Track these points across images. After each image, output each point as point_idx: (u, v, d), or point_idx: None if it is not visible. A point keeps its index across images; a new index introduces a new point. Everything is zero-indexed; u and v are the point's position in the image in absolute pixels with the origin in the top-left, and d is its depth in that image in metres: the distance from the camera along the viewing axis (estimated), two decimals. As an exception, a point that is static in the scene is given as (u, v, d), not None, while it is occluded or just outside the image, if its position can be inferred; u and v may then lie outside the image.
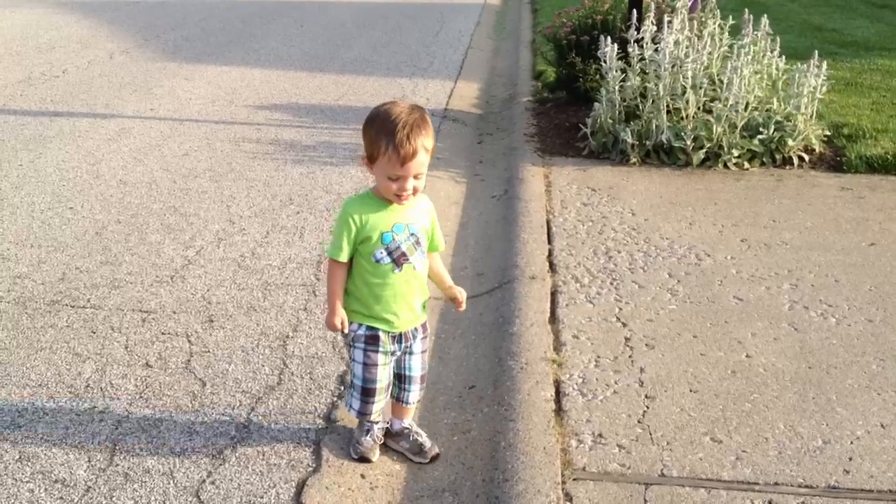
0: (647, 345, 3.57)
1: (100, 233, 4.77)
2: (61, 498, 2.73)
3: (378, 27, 11.96)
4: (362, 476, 2.88)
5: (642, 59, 6.03)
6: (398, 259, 2.74)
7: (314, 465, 2.90)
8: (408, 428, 3.01)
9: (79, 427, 3.08)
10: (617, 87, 5.98)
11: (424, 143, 2.62)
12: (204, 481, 2.81)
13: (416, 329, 2.88)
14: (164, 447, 2.98)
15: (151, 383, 3.35)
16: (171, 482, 2.80)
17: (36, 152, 6.17)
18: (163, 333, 3.73)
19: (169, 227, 4.87)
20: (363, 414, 2.90)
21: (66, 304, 3.97)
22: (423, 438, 2.99)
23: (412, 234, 2.76)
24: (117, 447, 2.97)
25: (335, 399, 3.28)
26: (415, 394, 2.96)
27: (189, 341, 3.67)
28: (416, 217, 2.78)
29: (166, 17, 12.41)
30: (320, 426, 3.11)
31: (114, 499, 2.73)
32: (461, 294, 2.95)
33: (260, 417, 3.15)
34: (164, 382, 3.36)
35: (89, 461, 2.90)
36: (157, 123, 6.97)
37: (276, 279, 4.26)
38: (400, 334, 2.83)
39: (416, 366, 2.93)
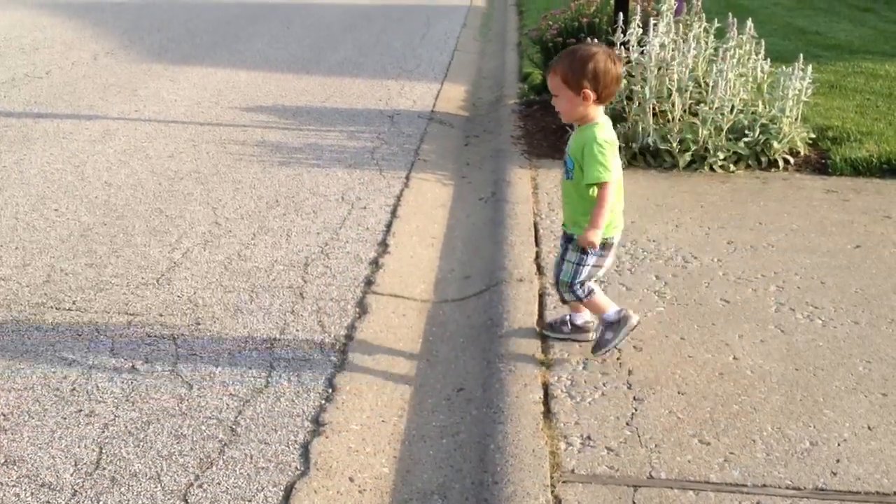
0: (634, 347, 3.57)
1: (85, 235, 4.75)
2: (48, 502, 2.71)
3: (364, 29, 11.95)
4: (351, 479, 2.87)
5: (628, 61, 6.05)
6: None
7: (302, 469, 2.89)
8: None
9: (65, 430, 3.06)
10: (603, 90, 5.98)
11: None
12: (191, 485, 2.80)
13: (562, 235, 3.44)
14: (151, 451, 2.96)
15: (138, 386, 3.33)
16: (159, 486, 2.79)
17: (20, 154, 6.13)
18: (149, 336, 3.71)
19: (154, 229, 4.85)
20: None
21: (51, 307, 3.95)
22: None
23: (568, 156, 3.31)
24: (104, 451, 2.95)
25: (323, 402, 3.27)
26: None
27: (175, 344, 3.65)
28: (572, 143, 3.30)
29: (151, 19, 12.36)
30: (308, 429, 3.10)
31: (101, 503, 2.71)
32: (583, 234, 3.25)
33: (248, 420, 3.14)
34: (150, 385, 3.34)
35: (76, 465, 2.88)
36: (143, 125, 6.94)
37: (262, 281, 4.25)
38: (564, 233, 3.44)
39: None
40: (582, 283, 3.38)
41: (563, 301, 3.61)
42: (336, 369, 3.49)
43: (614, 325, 3.43)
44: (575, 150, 3.27)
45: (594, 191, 3.23)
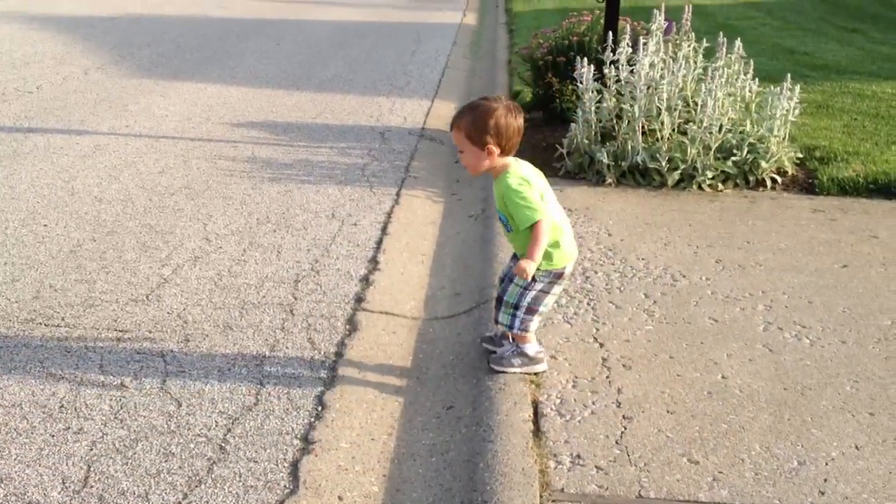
0: (624, 365, 3.59)
1: (74, 250, 4.74)
2: (34, 520, 2.70)
3: (355, 46, 11.99)
4: (340, 498, 2.87)
5: (618, 80, 6.09)
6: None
7: (291, 487, 2.88)
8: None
9: (53, 448, 3.04)
10: (593, 108, 6.03)
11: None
12: (180, 503, 2.79)
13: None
14: (140, 468, 2.95)
15: (126, 403, 3.32)
16: (147, 504, 2.78)
17: (10, 168, 6.12)
18: (138, 353, 3.70)
19: (145, 245, 4.84)
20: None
21: (40, 323, 3.93)
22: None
23: (498, 212, 3.41)
24: (92, 468, 2.94)
25: (313, 419, 3.26)
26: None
27: (165, 361, 3.64)
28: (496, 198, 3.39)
29: (142, 34, 12.37)
30: (298, 447, 3.10)
31: (88, 521, 2.70)
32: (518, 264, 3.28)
33: (237, 438, 3.13)
34: (139, 403, 3.33)
35: (63, 483, 2.87)
36: (133, 140, 6.94)
37: (252, 298, 4.25)
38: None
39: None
40: (528, 310, 3.40)
41: (496, 321, 3.57)
42: (326, 387, 3.49)
43: (525, 358, 3.49)
44: (500, 205, 3.34)
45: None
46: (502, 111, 3.20)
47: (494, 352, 3.60)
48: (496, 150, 3.21)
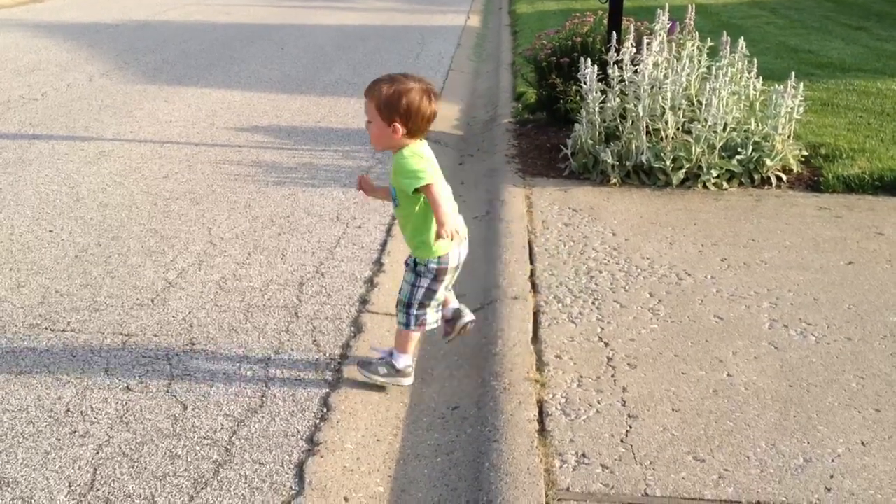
0: (629, 364, 3.58)
1: (80, 255, 4.75)
2: (41, 524, 2.70)
3: (358, 49, 12.01)
4: (346, 499, 2.87)
5: (622, 80, 6.09)
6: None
7: (297, 489, 2.89)
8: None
9: (59, 452, 3.05)
10: (597, 109, 6.03)
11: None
12: (186, 505, 2.79)
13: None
14: (146, 471, 2.95)
15: (132, 407, 3.33)
16: (153, 507, 2.78)
17: (15, 175, 6.14)
18: (143, 356, 3.71)
19: (149, 249, 4.85)
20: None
21: (46, 328, 3.95)
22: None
23: (391, 186, 3.37)
24: (98, 472, 2.95)
25: (318, 421, 3.26)
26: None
27: (170, 364, 3.65)
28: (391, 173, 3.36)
29: (146, 40, 12.41)
30: (303, 448, 3.10)
31: (94, 524, 2.70)
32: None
33: (242, 440, 3.13)
34: (145, 406, 3.34)
35: (70, 486, 2.87)
36: (138, 146, 6.96)
37: (257, 301, 4.25)
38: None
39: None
40: (420, 306, 3.38)
41: (399, 322, 3.51)
42: (331, 388, 3.49)
43: (392, 370, 3.49)
44: (393, 178, 3.31)
45: (420, 206, 3.24)
46: (417, 94, 3.14)
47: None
48: (402, 130, 3.15)
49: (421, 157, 3.20)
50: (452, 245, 3.32)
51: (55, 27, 13.44)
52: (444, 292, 3.47)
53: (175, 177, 6.16)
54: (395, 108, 3.13)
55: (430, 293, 3.38)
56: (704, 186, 5.77)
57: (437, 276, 3.35)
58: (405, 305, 3.41)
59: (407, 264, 3.44)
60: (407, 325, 3.43)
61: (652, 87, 5.92)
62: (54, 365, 3.63)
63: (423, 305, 3.40)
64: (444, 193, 3.19)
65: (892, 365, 3.58)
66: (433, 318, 3.45)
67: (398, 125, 3.14)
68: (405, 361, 3.50)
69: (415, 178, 3.14)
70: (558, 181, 6.03)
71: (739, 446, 3.03)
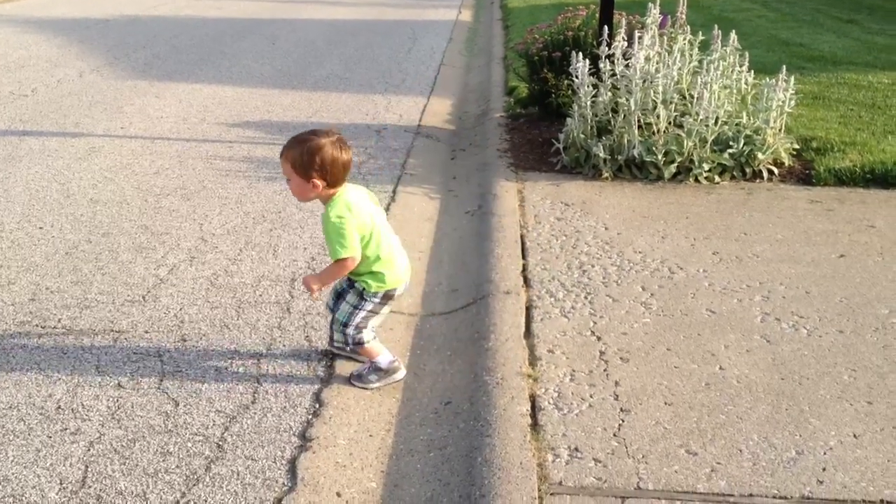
0: (621, 358, 3.58)
1: (70, 252, 4.73)
2: (32, 521, 2.69)
3: (349, 44, 11.98)
4: (338, 494, 2.87)
5: (613, 74, 6.08)
6: None
7: (289, 485, 2.88)
8: None
9: (50, 449, 3.04)
10: (589, 103, 6.02)
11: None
12: (178, 502, 2.78)
13: None
14: (138, 468, 2.94)
15: (124, 404, 3.32)
16: (145, 504, 2.78)
17: (5, 172, 6.11)
18: (135, 353, 3.70)
19: (140, 245, 4.83)
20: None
21: (37, 325, 3.93)
22: None
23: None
24: (89, 469, 2.94)
25: (310, 417, 3.26)
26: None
27: (161, 361, 3.64)
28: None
29: (137, 36, 12.36)
30: (295, 444, 3.09)
31: (86, 521, 2.69)
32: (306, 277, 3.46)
33: (234, 437, 3.12)
34: (136, 403, 3.33)
35: (61, 484, 2.86)
36: (128, 142, 6.93)
37: (249, 297, 4.24)
38: None
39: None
40: (356, 328, 3.45)
41: (331, 341, 3.63)
42: (323, 384, 3.48)
43: (381, 372, 3.53)
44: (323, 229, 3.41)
45: (366, 244, 3.35)
46: (329, 148, 3.24)
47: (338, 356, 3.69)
48: (321, 184, 3.27)
49: (345, 216, 3.27)
50: (403, 279, 3.47)
51: (45, 23, 13.38)
52: (382, 318, 3.56)
53: (166, 172, 6.14)
54: (310, 166, 3.24)
55: (371, 316, 3.47)
56: (696, 180, 5.77)
57: (382, 301, 3.46)
58: (342, 325, 3.48)
59: (348, 287, 3.50)
60: (347, 344, 3.52)
61: (644, 81, 5.92)
62: (45, 362, 3.61)
63: (359, 328, 3.46)
64: (349, 266, 3.30)
65: (883, 357, 3.59)
66: (369, 336, 3.50)
67: (317, 181, 3.26)
68: (386, 359, 3.54)
69: (335, 252, 3.27)
70: (550, 175, 6.02)
71: (732, 439, 3.04)
